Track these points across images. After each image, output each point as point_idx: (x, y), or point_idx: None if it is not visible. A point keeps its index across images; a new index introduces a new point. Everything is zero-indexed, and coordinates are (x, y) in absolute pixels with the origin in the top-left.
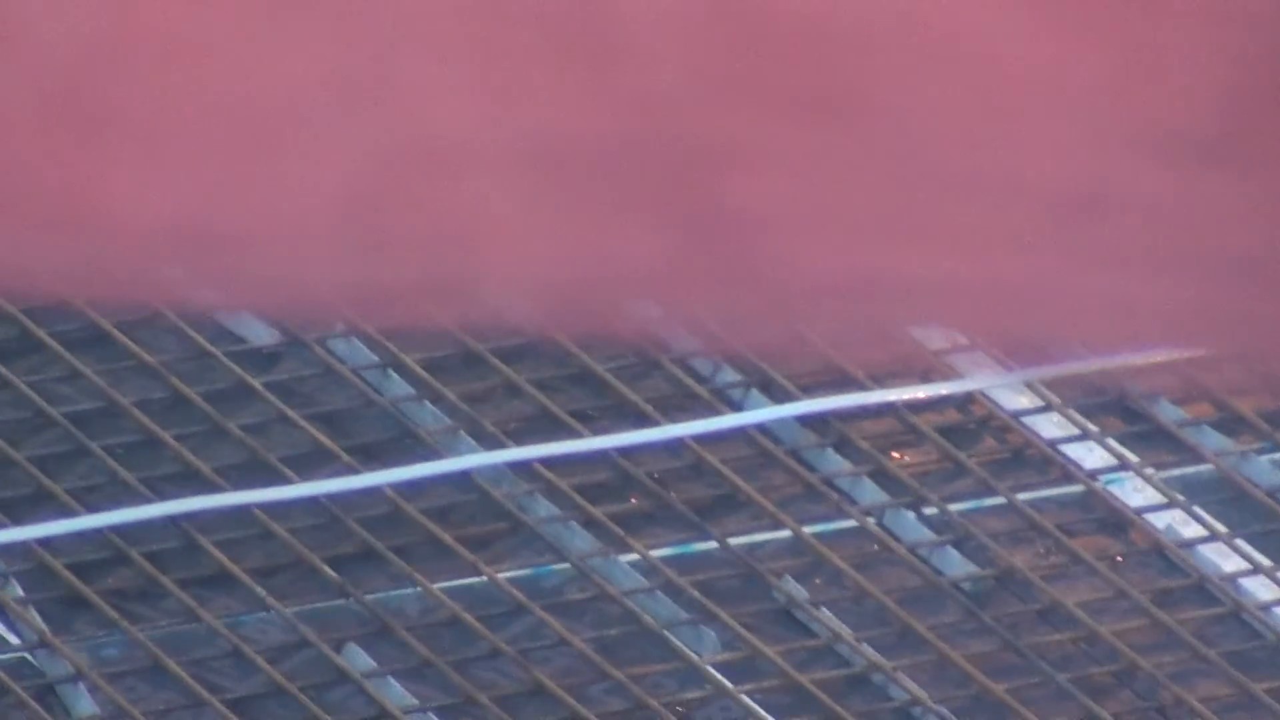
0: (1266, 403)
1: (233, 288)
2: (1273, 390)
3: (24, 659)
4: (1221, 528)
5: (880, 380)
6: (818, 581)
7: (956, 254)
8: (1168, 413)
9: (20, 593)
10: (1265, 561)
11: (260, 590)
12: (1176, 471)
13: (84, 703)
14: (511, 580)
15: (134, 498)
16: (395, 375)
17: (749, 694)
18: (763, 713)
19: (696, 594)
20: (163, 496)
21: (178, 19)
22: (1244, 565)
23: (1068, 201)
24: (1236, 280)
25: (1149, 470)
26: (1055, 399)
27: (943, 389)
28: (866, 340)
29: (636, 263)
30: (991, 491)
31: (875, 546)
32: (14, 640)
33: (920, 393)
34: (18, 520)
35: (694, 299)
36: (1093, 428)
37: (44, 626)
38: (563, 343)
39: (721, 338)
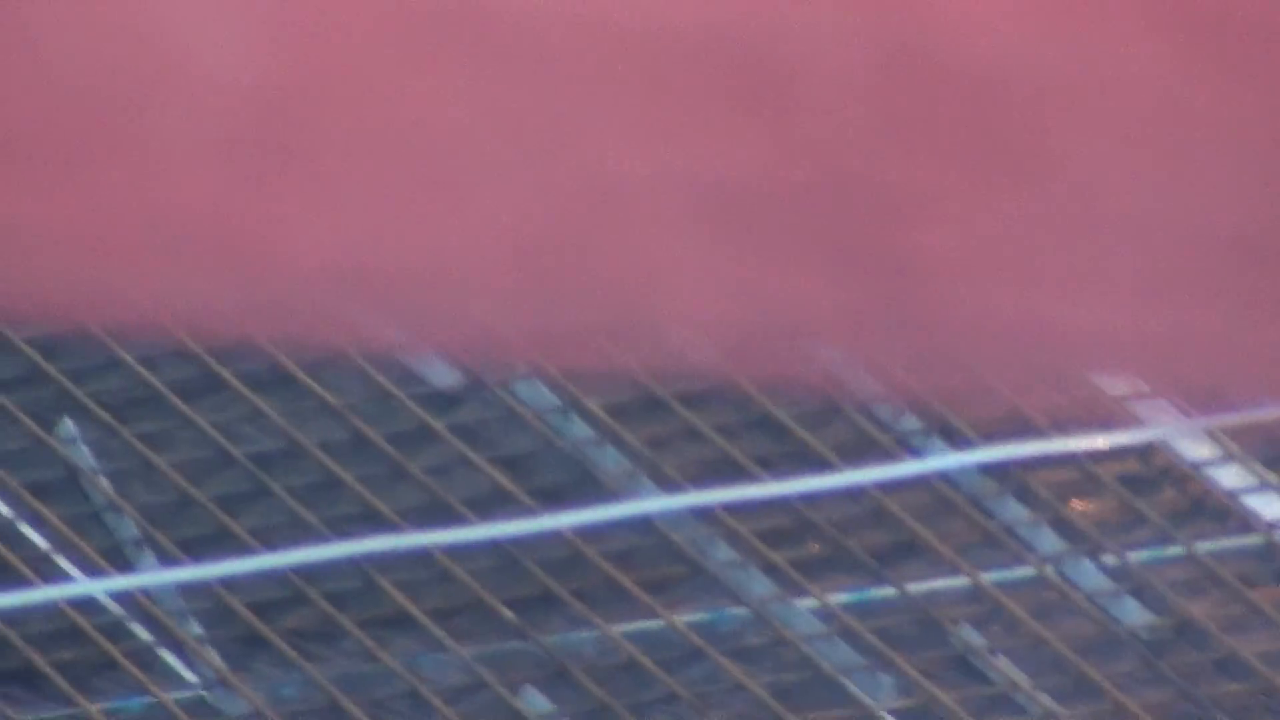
0: None
1: (414, 329)
2: None
3: (202, 698)
4: None
5: (1061, 428)
6: (995, 629)
7: (1136, 301)
8: None
9: (199, 631)
10: None
11: (439, 631)
12: None
13: None
14: (690, 624)
15: (315, 538)
16: (577, 418)
17: None
18: None
19: (874, 640)
20: (343, 537)
21: (356, 66)
22: None
23: (1246, 247)
24: None
25: None
26: (1236, 448)
27: (1123, 438)
28: (1048, 387)
29: (817, 308)
30: (1170, 541)
31: (1053, 595)
32: (192, 679)
33: (1101, 441)
34: (199, 559)
35: (875, 345)
36: (1273, 478)
37: (223, 665)
38: (744, 388)
39: (903, 384)
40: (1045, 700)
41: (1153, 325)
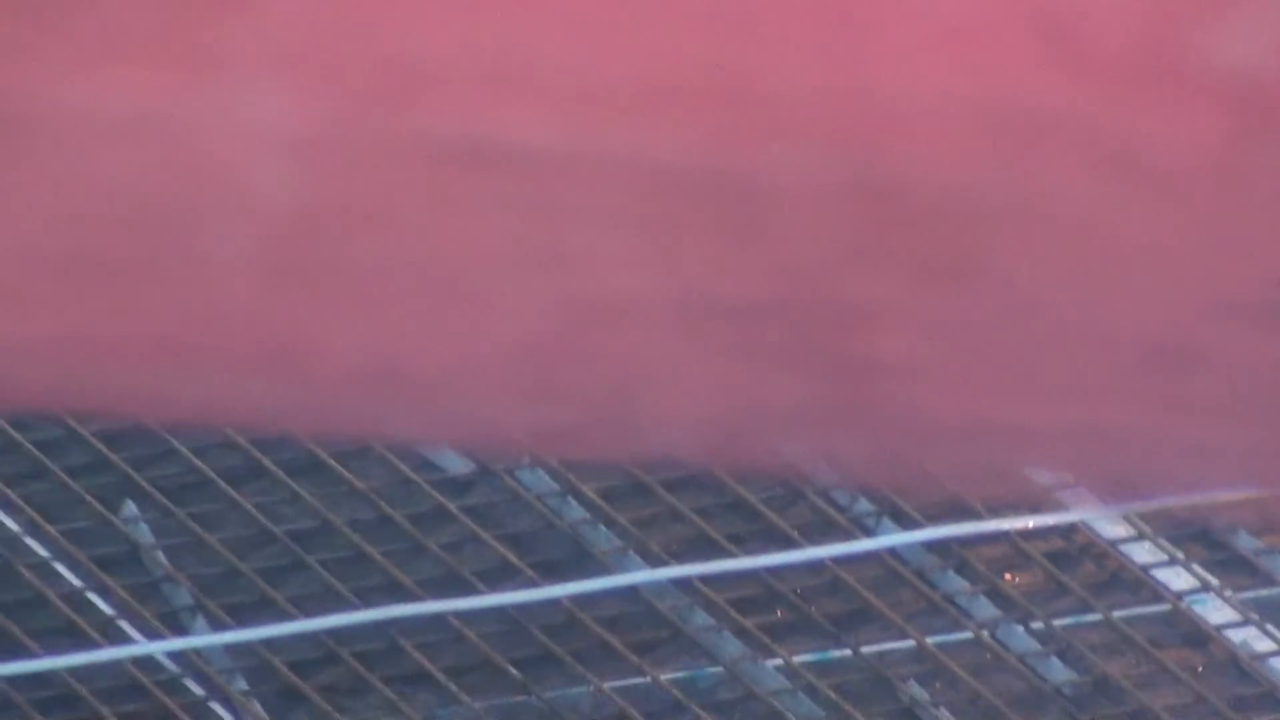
0: None
1: (428, 425)
2: None
3: None
4: None
5: (996, 511)
6: (938, 685)
7: (1061, 402)
8: (1246, 542)
9: (245, 687)
10: None
11: (454, 687)
12: (1252, 593)
13: None
14: (672, 681)
15: (346, 605)
16: (573, 501)
17: None
18: None
19: (833, 694)
20: (370, 604)
21: (381, 191)
22: None
23: (1161, 356)
24: None
25: (1228, 592)
26: (1147, 529)
27: (1050, 520)
28: (984, 477)
29: (784, 406)
30: (1090, 609)
31: (989, 655)
32: None
33: (1030, 522)
34: (244, 623)
35: (835, 438)
36: (1179, 554)
37: (266, 717)
38: (720, 475)
39: (858, 473)
40: None
41: (1075, 423)
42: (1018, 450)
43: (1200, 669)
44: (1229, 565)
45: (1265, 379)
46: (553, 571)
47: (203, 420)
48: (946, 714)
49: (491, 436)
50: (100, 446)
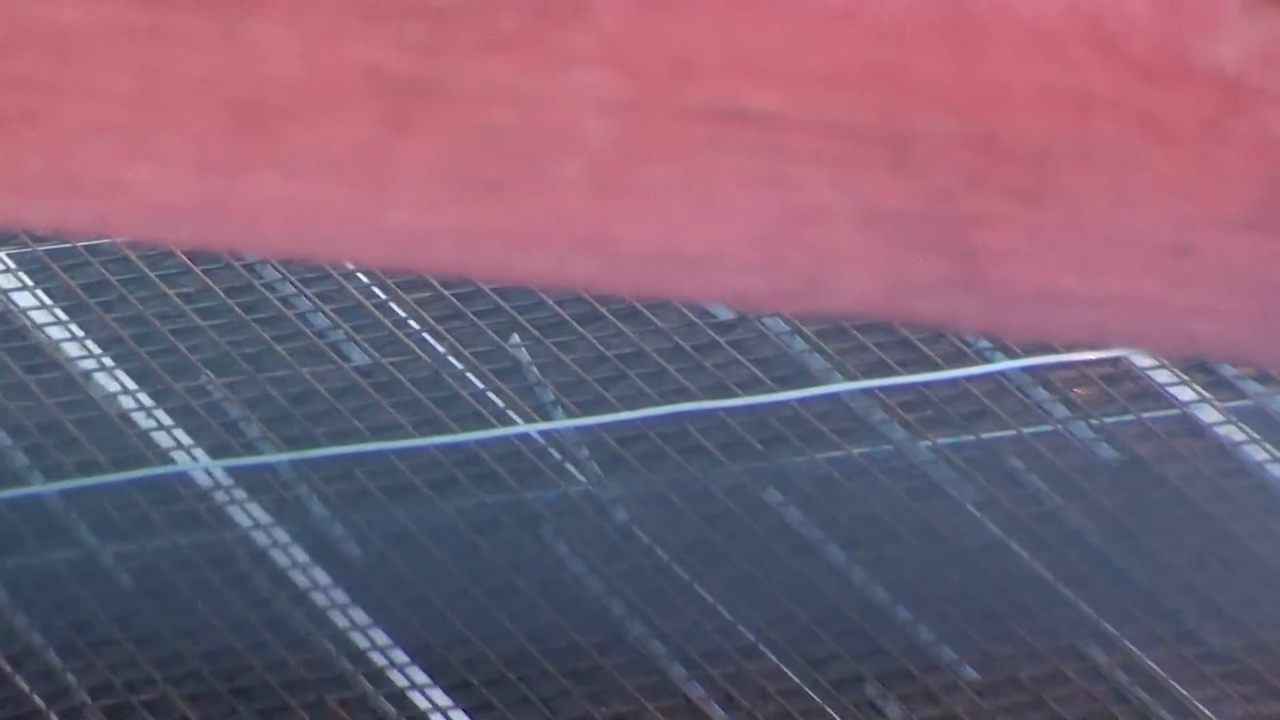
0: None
1: (697, 288)
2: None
3: None
4: None
5: (1066, 348)
6: (1030, 460)
7: (1106, 278)
8: (1227, 370)
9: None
10: None
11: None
12: (1233, 404)
13: None
14: (859, 454)
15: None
16: (798, 337)
17: None
18: None
19: (965, 467)
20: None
21: (668, 138)
22: None
23: (1172, 249)
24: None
25: (1218, 402)
26: (1165, 360)
27: (1101, 354)
28: (1058, 326)
29: (925, 279)
30: (1128, 412)
31: (1062, 441)
32: None
33: (1090, 355)
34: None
35: (959, 300)
36: (1185, 377)
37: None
38: (889, 321)
39: (975, 322)
40: None
41: (1115, 292)
42: (1079, 308)
43: (1197, 453)
44: (1217, 385)
45: (1242, 265)
46: (782, 382)
47: (547, 283)
48: (1035, 479)
49: (739, 295)
50: (495, 296)
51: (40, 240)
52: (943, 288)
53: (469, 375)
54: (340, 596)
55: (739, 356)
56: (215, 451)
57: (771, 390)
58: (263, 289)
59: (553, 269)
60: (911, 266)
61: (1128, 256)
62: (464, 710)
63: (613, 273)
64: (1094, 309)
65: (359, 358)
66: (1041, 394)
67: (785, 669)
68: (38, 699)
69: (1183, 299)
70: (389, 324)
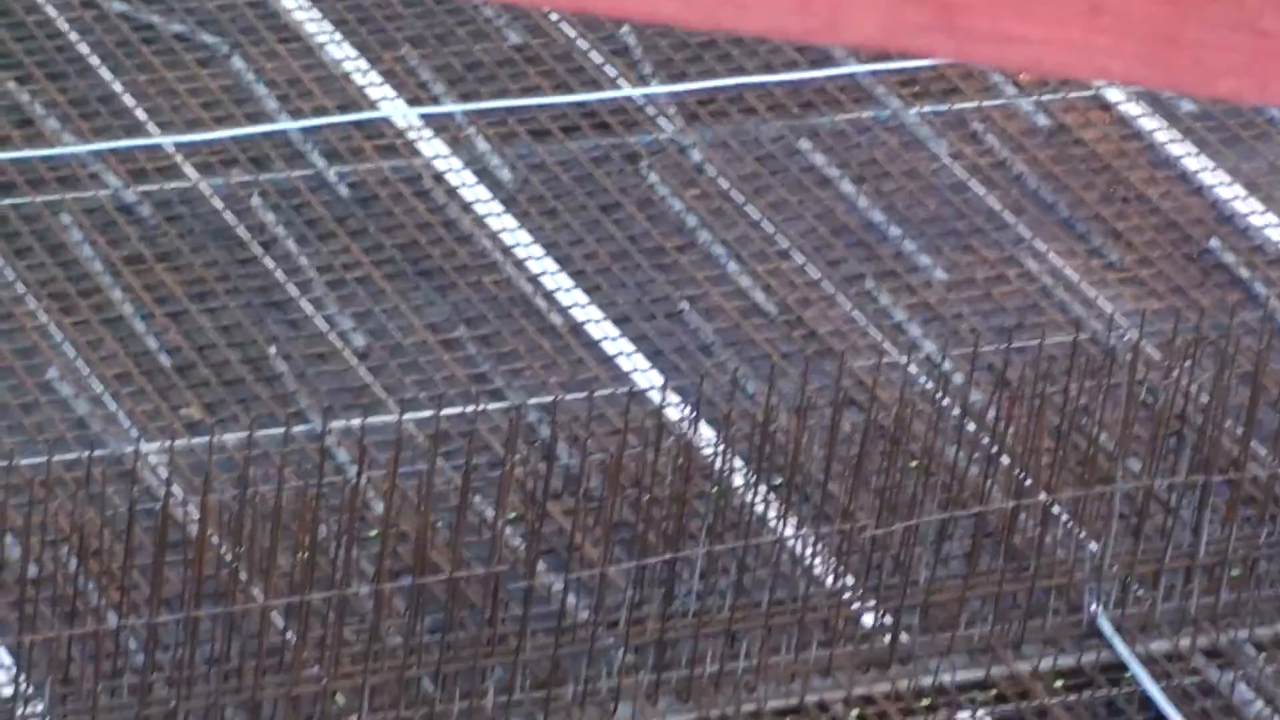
0: None
1: (752, 22)
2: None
3: None
4: None
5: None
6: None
7: (1045, 25)
8: (1187, 105)
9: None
10: None
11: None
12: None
13: None
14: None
15: None
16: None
17: None
18: None
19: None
20: None
21: None
22: None
23: (1092, 8)
24: None
25: (1174, 133)
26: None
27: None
28: (1010, 62)
29: (913, 22)
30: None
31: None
32: None
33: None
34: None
35: (936, 39)
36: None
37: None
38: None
39: (949, 55)
40: None
41: (1052, 35)
42: (1022, 47)
43: (1105, 121)
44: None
45: (1138, 21)
46: (813, 64)
47: (645, 17)
48: (992, 138)
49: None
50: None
51: None
52: (925, 30)
53: (593, 51)
54: (495, 208)
55: (781, 45)
56: (411, 102)
57: (805, 68)
58: None
59: (648, 9)
60: (902, 14)
61: (1057, 12)
62: (582, 290)
63: (691, 13)
64: (1034, 48)
65: (514, 37)
66: (998, 77)
67: (809, 268)
68: (279, 275)
69: (1098, 43)
70: (536, 13)
